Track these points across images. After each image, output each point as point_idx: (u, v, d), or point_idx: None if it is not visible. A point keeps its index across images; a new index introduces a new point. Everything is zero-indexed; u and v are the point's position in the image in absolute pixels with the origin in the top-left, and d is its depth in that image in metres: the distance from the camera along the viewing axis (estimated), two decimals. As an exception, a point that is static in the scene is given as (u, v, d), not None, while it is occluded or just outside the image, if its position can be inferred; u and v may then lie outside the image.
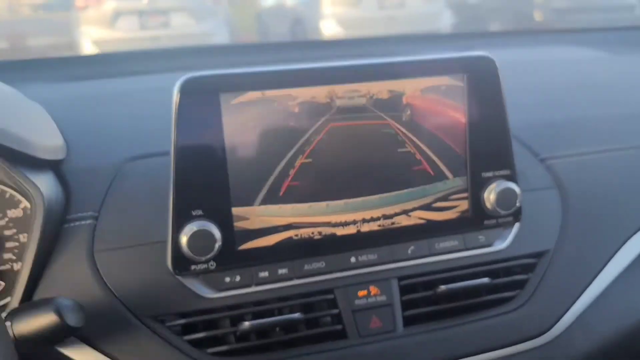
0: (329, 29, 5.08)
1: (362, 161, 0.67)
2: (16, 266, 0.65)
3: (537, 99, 0.96)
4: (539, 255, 0.75)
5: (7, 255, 0.65)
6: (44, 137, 0.69)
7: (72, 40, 4.46)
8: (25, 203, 0.65)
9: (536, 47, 1.41)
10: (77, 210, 0.65)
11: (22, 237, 0.65)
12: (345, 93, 0.65)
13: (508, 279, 0.74)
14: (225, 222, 0.63)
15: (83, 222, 0.64)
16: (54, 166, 0.68)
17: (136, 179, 0.69)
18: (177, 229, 0.61)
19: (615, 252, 0.79)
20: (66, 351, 0.60)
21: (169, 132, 0.61)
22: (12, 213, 0.65)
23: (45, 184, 0.64)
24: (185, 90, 0.60)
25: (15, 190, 0.65)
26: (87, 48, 4.33)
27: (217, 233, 0.62)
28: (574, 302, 0.75)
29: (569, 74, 1.12)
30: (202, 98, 0.60)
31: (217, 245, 0.62)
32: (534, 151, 0.83)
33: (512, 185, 0.71)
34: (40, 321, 0.51)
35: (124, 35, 4.42)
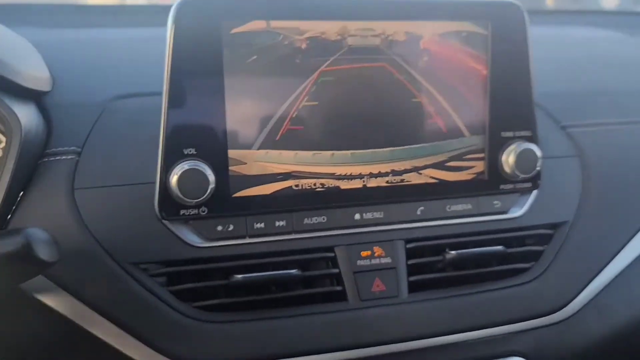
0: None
1: (372, 109, 0.61)
2: None
3: (559, 70, 0.90)
4: (556, 226, 0.70)
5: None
6: (29, 66, 0.64)
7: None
8: (4, 143, 0.60)
9: (552, 27, 1.35)
10: (58, 144, 0.59)
11: (0, 178, 0.60)
12: (358, 31, 0.59)
13: (522, 249, 0.68)
14: (220, 164, 0.57)
15: (64, 157, 0.59)
16: (37, 98, 0.63)
17: (125, 117, 0.63)
18: (167, 168, 0.55)
19: (637, 230, 0.73)
20: (38, 294, 0.54)
21: (164, 73, 0.55)
22: None
23: (25, 113, 0.58)
24: (181, 15, 0.54)
25: None
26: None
27: (210, 175, 0.56)
28: (591, 280, 0.70)
29: (590, 50, 1.06)
30: (200, 25, 0.55)
31: (210, 188, 0.56)
32: (555, 118, 0.77)
33: (533, 147, 0.66)
34: (6, 252, 0.45)
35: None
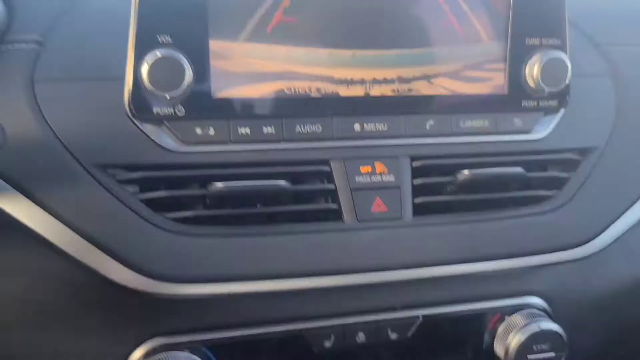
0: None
1: (378, 2, 0.53)
2: None
3: None
4: (584, 152, 0.62)
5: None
6: None
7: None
8: None
9: None
10: (18, 32, 0.52)
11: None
12: None
13: (545, 174, 0.61)
14: (199, 56, 0.50)
15: (23, 45, 0.52)
16: None
17: (94, 7, 0.56)
18: (138, 56, 0.48)
19: None
20: (-10, 196, 0.48)
21: None
22: None
23: (-20, -6, 0.51)
24: None
25: None
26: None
27: (187, 67, 0.49)
28: (620, 215, 0.62)
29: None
30: None
31: (187, 82, 0.49)
32: (588, 35, 0.68)
33: (563, 56, 0.57)
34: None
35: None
